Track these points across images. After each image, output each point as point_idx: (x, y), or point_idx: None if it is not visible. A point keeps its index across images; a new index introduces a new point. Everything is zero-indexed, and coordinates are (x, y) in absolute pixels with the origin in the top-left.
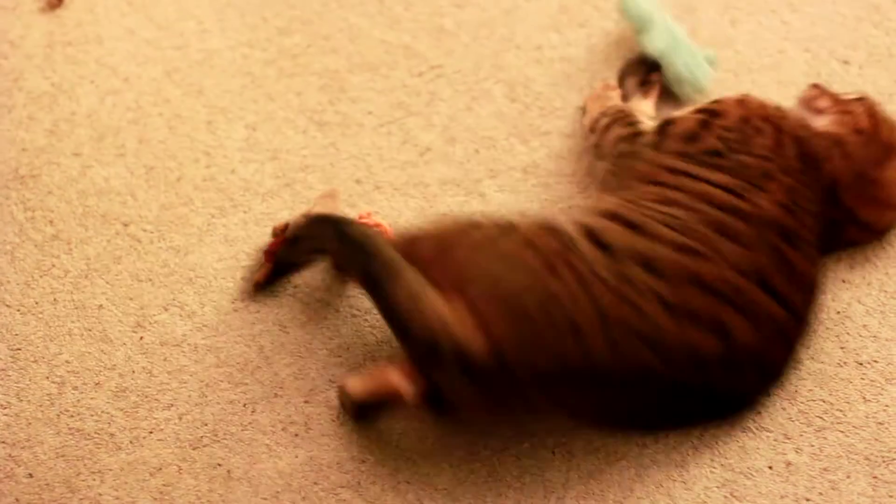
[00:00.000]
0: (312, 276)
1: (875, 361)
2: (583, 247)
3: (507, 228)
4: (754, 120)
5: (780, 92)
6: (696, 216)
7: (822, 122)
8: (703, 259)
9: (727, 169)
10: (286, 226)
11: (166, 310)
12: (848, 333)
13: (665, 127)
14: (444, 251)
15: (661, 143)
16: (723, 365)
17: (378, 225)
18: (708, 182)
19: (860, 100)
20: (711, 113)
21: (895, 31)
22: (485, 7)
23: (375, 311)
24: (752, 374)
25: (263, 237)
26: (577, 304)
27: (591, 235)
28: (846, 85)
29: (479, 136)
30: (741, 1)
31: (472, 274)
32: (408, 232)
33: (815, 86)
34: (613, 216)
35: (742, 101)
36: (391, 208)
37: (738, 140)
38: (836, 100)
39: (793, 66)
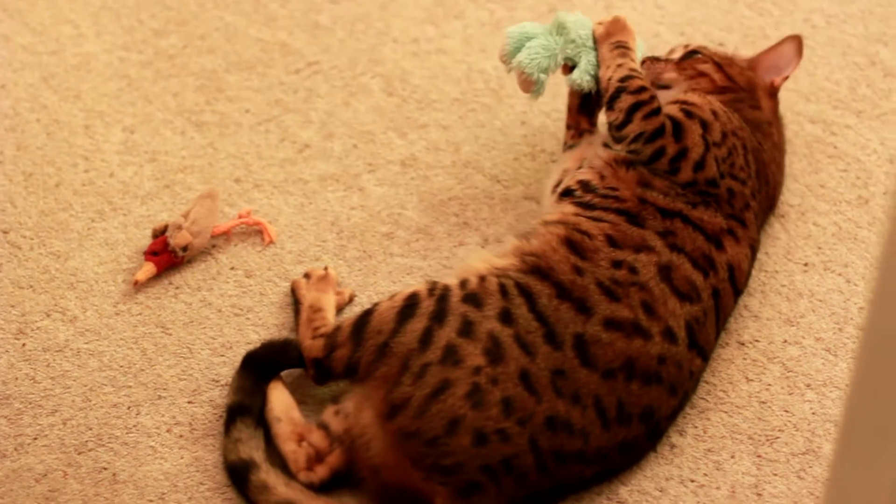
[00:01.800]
0: (193, 276)
1: (756, 341)
2: (510, 350)
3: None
4: (730, 137)
5: None
6: (652, 261)
7: (674, 93)
8: (636, 336)
9: (717, 201)
10: (165, 226)
11: (48, 316)
12: None
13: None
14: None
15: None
16: (647, 437)
17: (258, 223)
18: (696, 226)
19: (697, 54)
20: (702, 123)
21: (769, 12)
22: (360, 2)
23: (258, 309)
24: (666, 426)
25: (143, 240)
26: (508, 442)
27: (517, 331)
28: None
29: (357, 131)
30: None
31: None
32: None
33: (651, 60)
34: (546, 274)
35: (716, 113)
36: (271, 206)
37: (724, 159)
38: (679, 66)
39: (668, 50)
